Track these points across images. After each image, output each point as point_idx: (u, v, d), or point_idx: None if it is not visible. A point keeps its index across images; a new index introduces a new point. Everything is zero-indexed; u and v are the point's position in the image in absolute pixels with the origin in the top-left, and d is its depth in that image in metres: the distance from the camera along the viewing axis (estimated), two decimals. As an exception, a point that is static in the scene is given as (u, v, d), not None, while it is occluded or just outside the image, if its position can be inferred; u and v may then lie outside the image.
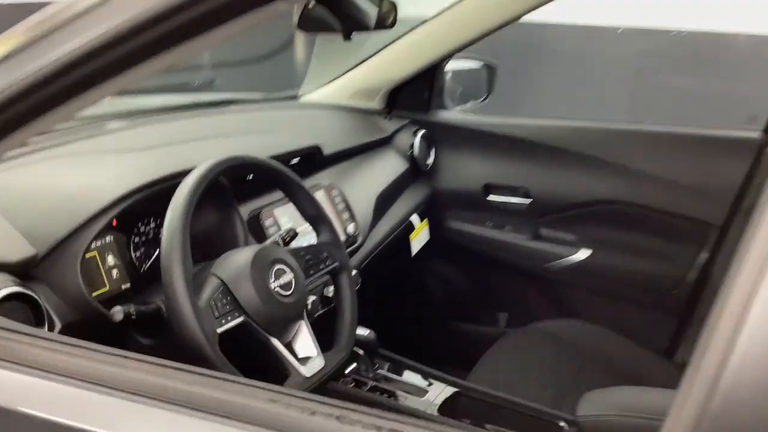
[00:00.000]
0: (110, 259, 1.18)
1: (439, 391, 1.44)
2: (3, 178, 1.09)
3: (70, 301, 1.01)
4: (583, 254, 1.93)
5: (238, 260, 1.08)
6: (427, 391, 1.44)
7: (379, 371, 1.48)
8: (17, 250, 0.98)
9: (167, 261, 0.97)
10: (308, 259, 1.19)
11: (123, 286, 1.18)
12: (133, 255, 1.23)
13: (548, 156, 1.93)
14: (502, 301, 2.17)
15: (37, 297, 0.92)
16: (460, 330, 2.15)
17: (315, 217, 1.24)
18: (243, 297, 1.04)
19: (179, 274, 0.96)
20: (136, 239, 1.24)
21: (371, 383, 1.45)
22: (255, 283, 1.05)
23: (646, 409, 1.21)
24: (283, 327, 1.10)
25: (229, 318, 1.01)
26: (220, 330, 0.99)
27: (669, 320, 1.87)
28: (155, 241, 1.26)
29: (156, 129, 1.48)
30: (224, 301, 1.02)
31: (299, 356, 1.12)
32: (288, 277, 1.10)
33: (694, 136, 1.80)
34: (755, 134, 1.71)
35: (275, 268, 1.09)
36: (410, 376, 1.50)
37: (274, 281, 1.08)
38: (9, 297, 0.91)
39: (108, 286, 1.14)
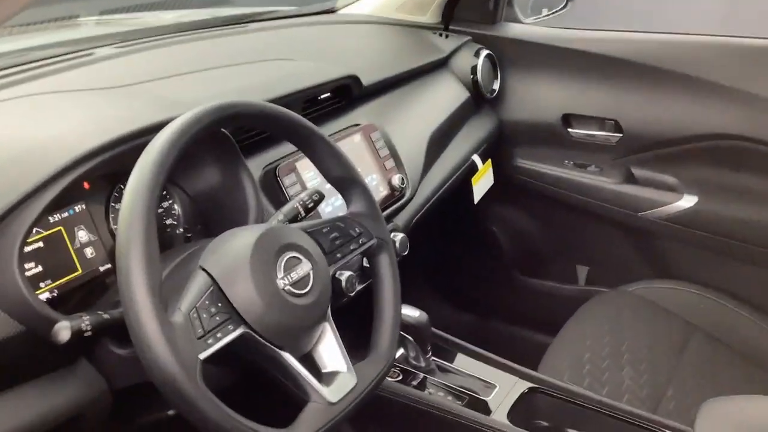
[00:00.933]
0: (82, 235, 0.92)
1: (510, 387, 1.15)
2: None
3: (5, 307, 0.74)
4: (686, 201, 1.58)
5: (234, 248, 0.78)
6: (495, 386, 1.15)
7: (433, 360, 1.19)
8: None
9: (124, 260, 0.68)
10: (335, 238, 0.89)
11: (101, 268, 0.92)
12: (113, 226, 0.95)
13: (644, 79, 1.55)
14: (585, 254, 1.86)
15: None
16: (533, 288, 1.87)
17: (342, 179, 0.93)
18: (241, 301, 0.75)
19: (140, 279, 0.67)
20: (117, 206, 0.96)
21: (422, 376, 1.17)
22: (256, 281, 0.75)
23: None
24: (298, 336, 0.81)
25: (219, 334, 0.73)
26: (204, 355, 0.70)
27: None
28: None
29: (152, 56, 1.19)
30: (214, 308, 0.73)
31: (324, 370, 0.84)
32: (304, 268, 0.80)
33: None
34: None
35: (286, 258, 0.79)
36: (470, 364, 1.21)
37: (283, 276, 0.78)
38: None
39: (80, 269, 0.90)
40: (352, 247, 0.91)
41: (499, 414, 1.10)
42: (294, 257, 0.80)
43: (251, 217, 1.00)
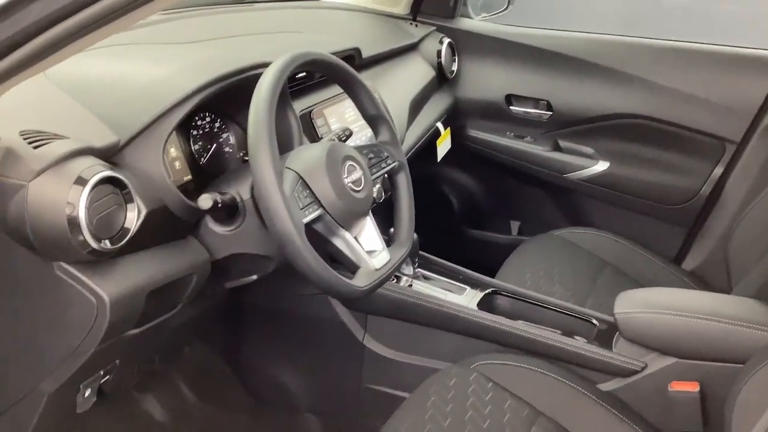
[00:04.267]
0: (173, 152, 1.18)
1: (475, 291, 1.51)
2: (76, 68, 1.07)
3: (152, 188, 1.02)
4: (600, 166, 1.98)
5: (312, 155, 1.09)
6: (465, 289, 1.50)
7: (419, 270, 1.53)
8: (100, 136, 0.98)
9: (255, 151, 0.97)
10: (371, 158, 1.21)
11: (185, 178, 1.19)
12: (192, 148, 1.24)
13: (571, 68, 1.95)
14: (518, 210, 2.24)
15: (127, 181, 0.93)
16: (476, 237, 2.22)
17: (375, 116, 1.25)
18: (320, 190, 1.06)
19: (268, 164, 0.97)
20: (194, 132, 1.24)
21: (411, 281, 1.51)
22: (331, 178, 1.06)
23: (678, 306, 1.30)
24: (354, 221, 1.13)
25: (309, 210, 1.04)
26: (305, 220, 1.01)
27: (680, 231, 1.95)
28: (212, 135, 1.26)
29: (203, 23, 1.46)
30: (304, 193, 1.04)
31: (366, 249, 1.16)
32: (358, 173, 1.12)
33: (717, 53, 1.82)
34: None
35: (347, 165, 1.11)
36: (445, 275, 1.56)
37: (346, 177, 1.10)
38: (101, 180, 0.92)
39: (172, 177, 1.15)
40: (382, 166, 1.23)
41: (471, 306, 1.45)
42: (352, 165, 1.12)
43: (294, 145, 1.30)
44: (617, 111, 1.92)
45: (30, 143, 0.87)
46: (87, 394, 1.08)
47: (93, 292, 0.91)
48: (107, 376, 1.11)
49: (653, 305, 1.32)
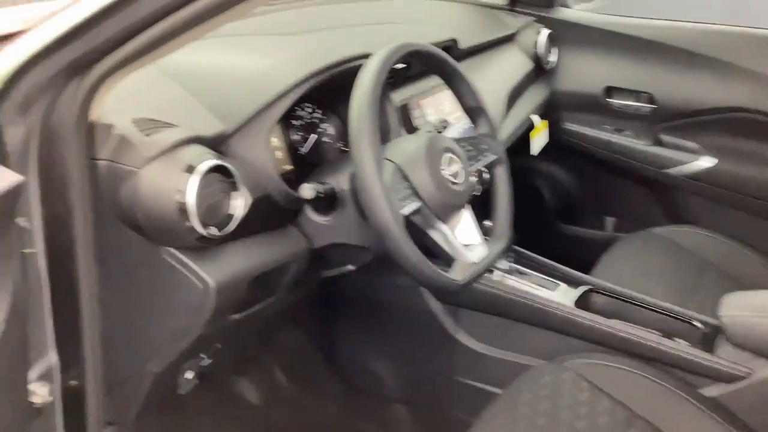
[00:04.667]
0: (275, 141, 1.21)
1: (570, 287, 1.47)
2: (185, 58, 1.11)
3: (257, 177, 1.04)
4: (706, 162, 1.90)
5: (411, 146, 1.09)
6: (559, 285, 1.47)
7: (513, 265, 1.51)
8: (208, 125, 1.01)
9: (357, 142, 0.98)
10: (469, 150, 1.20)
11: (286, 167, 1.21)
12: (292, 138, 1.26)
13: (675, 60, 1.87)
14: (614, 206, 2.17)
15: (234, 170, 0.96)
16: (570, 233, 2.17)
17: (475, 108, 1.24)
18: (418, 182, 1.06)
19: (370, 155, 0.97)
20: (295, 123, 1.26)
21: (504, 275, 1.49)
22: (429, 170, 1.06)
23: None
24: (451, 213, 1.12)
25: (407, 202, 1.04)
26: (404, 211, 1.01)
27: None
28: (311, 126, 1.28)
29: (307, 14, 1.48)
30: (403, 185, 1.04)
31: (463, 242, 1.15)
32: (457, 166, 1.11)
33: None
34: None
35: (446, 156, 1.10)
36: (539, 272, 1.53)
37: (445, 169, 1.09)
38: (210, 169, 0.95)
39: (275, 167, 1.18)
40: (480, 158, 1.22)
41: (566, 302, 1.41)
42: (451, 157, 1.12)
43: (392, 136, 1.30)
44: (725, 104, 1.83)
45: (142, 131, 0.90)
46: (189, 375, 1.12)
47: (199, 277, 0.94)
48: (208, 360, 1.15)
49: (763, 309, 1.26)
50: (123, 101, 0.91)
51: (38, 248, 0.79)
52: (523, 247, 1.58)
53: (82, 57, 0.76)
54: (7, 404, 0.75)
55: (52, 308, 0.81)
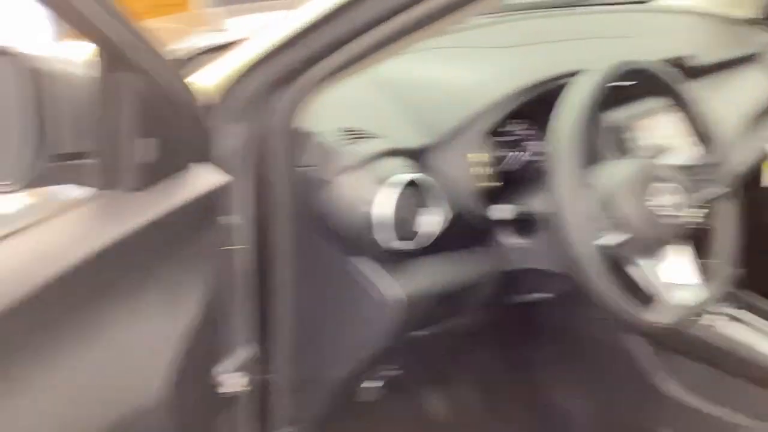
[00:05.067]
0: (473, 157, 1.18)
1: None
2: (393, 68, 1.12)
3: (455, 193, 1.02)
4: None
5: (618, 172, 1.01)
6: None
7: (731, 310, 1.34)
8: (410, 138, 1.01)
9: (557, 165, 0.93)
10: (688, 180, 1.09)
11: (484, 184, 1.18)
12: (496, 155, 1.22)
13: None
14: None
15: (433, 185, 0.94)
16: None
17: (701, 134, 1.13)
18: (620, 212, 0.97)
19: (569, 180, 0.92)
20: (498, 139, 1.23)
21: (719, 321, 1.32)
22: (634, 199, 0.97)
23: None
24: (659, 249, 1.02)
25: (607, 232, 0.96)
26: (603, 243, 0.94)
27: None
28: (517, 142, 1.23)
29: (521, 27, 1.44)
30: (604, 214, 0.97)
31: (670, 282, 1.04)
32: (670, 196, 1.01)
33: None
34: None
35: (657, 186, 1.01)
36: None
37: (656, 200, 0.99)
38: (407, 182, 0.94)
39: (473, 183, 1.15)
40: (701, 190, 1.10)
41: None
42: (664, 186, 1.01)
43: (600, 160, 1.21)
44: None
45: (343, 140, 0.92)
46: (372, 385, 1.13)
47: (384, 290, 0.94)
48: (391, 372, 1.15)
49: None
50: (328, 110, 0.94)
51: (244, 245, 0.84)
52: (744, 289, 1.40)
53: (291, 67, 0.80)
54: (198, 393, 0.80)
55: (250, 304, 0.85)
